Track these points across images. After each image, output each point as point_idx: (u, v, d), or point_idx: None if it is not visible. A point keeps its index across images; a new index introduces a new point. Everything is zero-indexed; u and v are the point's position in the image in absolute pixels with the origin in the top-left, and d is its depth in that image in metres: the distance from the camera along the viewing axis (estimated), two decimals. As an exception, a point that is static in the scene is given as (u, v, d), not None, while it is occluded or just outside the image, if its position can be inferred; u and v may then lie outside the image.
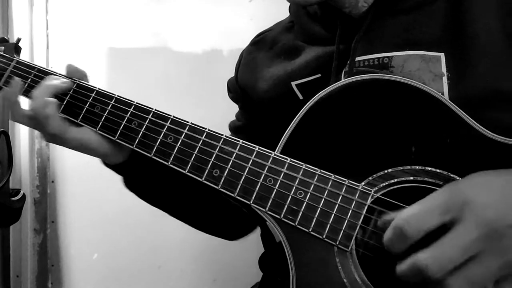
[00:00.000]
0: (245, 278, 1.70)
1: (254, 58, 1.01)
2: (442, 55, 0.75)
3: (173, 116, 0.79)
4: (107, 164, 0.92)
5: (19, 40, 0.99)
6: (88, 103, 0.85)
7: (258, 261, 0.98)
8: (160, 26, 1.85)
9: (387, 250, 0.58)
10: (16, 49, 0.97)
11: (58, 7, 1.95)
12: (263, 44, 1.01)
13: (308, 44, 0.90)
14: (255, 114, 0.98)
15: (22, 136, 1.91)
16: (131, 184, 0.95)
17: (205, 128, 0.77)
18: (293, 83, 0.87)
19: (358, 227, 0.66)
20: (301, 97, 0.86)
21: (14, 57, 0.94)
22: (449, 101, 0.67)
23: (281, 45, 0.96)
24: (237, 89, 1.04)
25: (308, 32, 0.91)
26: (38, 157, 1.92)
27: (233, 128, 1.08)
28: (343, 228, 0.66)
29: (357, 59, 0.80)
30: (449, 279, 0.53)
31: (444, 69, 0.74)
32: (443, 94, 0.72)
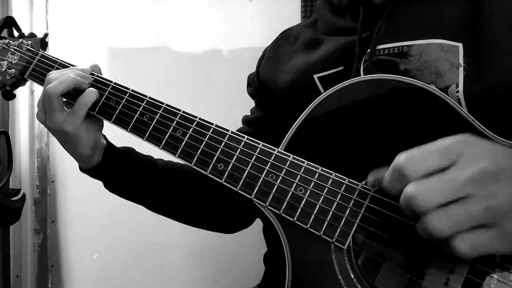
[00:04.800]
0: (245, 278, 1.70)
1: (276, 53, 1.02)
2: (460, 45, 0.74)
3: (183, 111, 0.82)
4: (83, 170, 0.95)
5: (46, 35, 1.04)
6: (104, 96, 0.88)
7: (263, 258, 0.99)
8: (160, 26, 1.86)
9: (386, 192, 0.58)
10: (42, 43, 1.02)
11: (58, 7, 1.95)
12: (286, 40, 1.02)
13: (329, 35, 0.91)
14: (271, 109, 0.99)
15: (22, 136, 1.92)
16: (112, 186, 0.99)
17: (212, 124, 0.80)
18: (316, 76, 0.86)
19: (355, 225, 0.66)
20: (322, 90, 0.85)
21: (39, 51, 0.99)
22: (452, 101, 0.66)
23: (302, 39, 0.97)
24: (256, 84, 1.05)
25: (331, 25, 0.91)
26: (38, 157, 1.92)
27: (245, 120, 1.09)
28: (341, 225, 0.67)
29: (378, 47, 0.80)
30: (430, 214, 0.53)
31: (461, 60, 0.73)
32: (457, 85, 0.72)
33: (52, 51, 1.92)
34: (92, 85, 0.89)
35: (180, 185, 1.03)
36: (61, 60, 0.95)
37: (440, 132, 0.66)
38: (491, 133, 0.65)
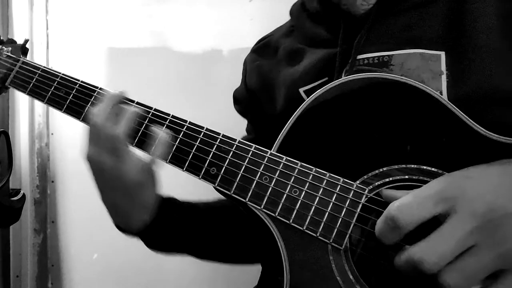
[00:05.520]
0: (245, 278, 1.70)
1: (260, 66, 0.99)
2: (442, 53, 0.74)
3: (172, 115, 0.80)
4: (124, 230, 0.88)
5: (26, 41, 1.01)
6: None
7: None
8: (160, 26, 1.86)
9: (380, 240, 0.58)
10: (23, 50, 1.00)
11: (58, 7, 1.95)
12: (266, 51, 1.00)
13: (309, 47, 0.90)
14: (265, 123, 0.95)
15: (22, 136, 1.92)
16: (161, 243, 0.93)
17: (203, 128, 0.78)
18: (301, 90, 0.86)
19: (352, 225, 0.66)
20: None
21: (20, 57, 0.96)
22: (445, 99, 0.67)
23: (282, 49, 0.95)
24: (246, 98, 1.02)
25: (310, 35, 0.90)
26: (38, 157, 1.92)
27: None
28: (337, 226, 0.66)
29: (358, 57, 0.80)
30: (444, 273, 0.53)
31: (443, 68, 0.74)
32: (441, 92, 0.72)
33: (52, 51, 1.93)
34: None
35: (224, 225, 0.97)
36: (44, 67, 0.93)
37: (431, 129, 0.67)
38: (484, 130, 0.65)
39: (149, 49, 1.86)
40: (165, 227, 0.88)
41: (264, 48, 1.01)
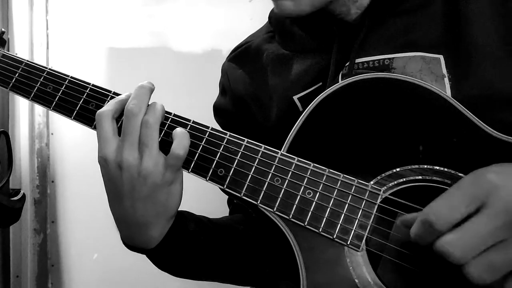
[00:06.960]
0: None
1: (243, 74, 0.94)
2: (441, 57, 0.75)
3: (174, 114, 0.76)
4: (134, 247, 0.81)
5: (2, 32, 0.94)
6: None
7: None
8: (160, 26, 1.85)
9: (415, 242, 0.58)
10: (1, 41, 0.93)
11: (58, 7, 1.95)
12: (246, 59, 0.95)
13: (298, 53, 0.87)
14: (257, 133, 0.88)
15: (22, 136, 1.91)
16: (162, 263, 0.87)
17: (208, 127, 0.74)
18: (295, 97, 0.84)
19: (369, 226, 0.65)
20: (301, 110, 0.81)
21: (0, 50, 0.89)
22: (455, 100, 0.67)
23: (266, 56, 0.91)
24: (231, 108, 0.96)
25: (298, 41, 0.88)
26: (38, 157, 1.92)
27: None
28: (354, 228, 0.65)
29: (357, 61, 0.79)
30: (470, 264, 0.53)
31: (444, 71, 0.74)
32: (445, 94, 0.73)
33: (52, 51, 1.92)
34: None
35: (234, 241, 0.90)
36: (27, 60, 0.85)
37: (441, 130, 0.67)
38: (494, 131, 0.65)
39: (149, 49, 1.86)
40: (182, 242, 0.81)
41: (243, 56, 0.96)
